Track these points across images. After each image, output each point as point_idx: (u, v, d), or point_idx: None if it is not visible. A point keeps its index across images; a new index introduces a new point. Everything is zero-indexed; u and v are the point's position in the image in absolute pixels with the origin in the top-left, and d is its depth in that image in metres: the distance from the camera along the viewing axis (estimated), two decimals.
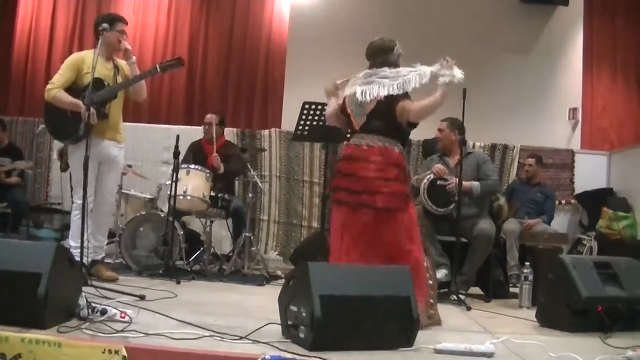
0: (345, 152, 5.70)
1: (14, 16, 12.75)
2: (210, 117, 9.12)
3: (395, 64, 5.62)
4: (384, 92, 5.41)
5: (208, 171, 8.22)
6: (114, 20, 6.79)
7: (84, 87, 6.39)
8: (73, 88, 6.48)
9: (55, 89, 6.38)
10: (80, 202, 6.37)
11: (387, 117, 5.47)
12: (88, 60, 6.49)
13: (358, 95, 5.47)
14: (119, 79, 6.79)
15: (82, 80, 6.50)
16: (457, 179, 7.01)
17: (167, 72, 7.40)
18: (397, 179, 5.45)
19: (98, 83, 6.48)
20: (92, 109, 6.21)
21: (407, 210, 5.48)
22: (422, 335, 4.33)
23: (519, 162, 10.58)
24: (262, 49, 12.61)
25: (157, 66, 6.95)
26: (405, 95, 5.46)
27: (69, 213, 9.69)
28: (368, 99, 5.42)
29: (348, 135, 6.23)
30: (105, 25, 6.56)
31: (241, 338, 4.13)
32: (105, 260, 7.50)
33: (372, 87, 5.45)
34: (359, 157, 5.41)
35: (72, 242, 6.51)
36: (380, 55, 5.63)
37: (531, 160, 9.49)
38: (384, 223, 5.37)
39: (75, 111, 6.37)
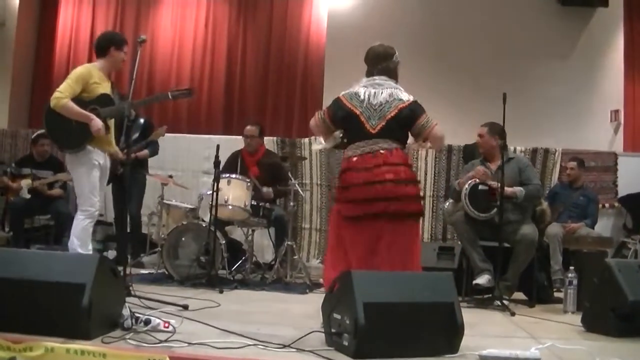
0: (359, 162, 5.40)
1: (55, 26, 12.92)
2: (250, 129, 9.16)
3: (394, 71, 5.63)
4: (408, 98, 5.43)
5: (249, 180, 8.23)
6: (125, 42, 6.87)
7: (93, 99, 6.50)
8: (77, 99, 6.49)
9: (65, 98, 6.35)
10: (92, 209, 6.49)
11: (405, 126, 5.44)
12: (95, 74, 6.58)
13: (370, 96, 5.44)
14: (115, 97, 6.84)
15: (91, 93, 6.54)
16: (499, 184, 6.96)
17: (177, 100, 7.46)
18: (416, 181, 5.60)
19: (107, 99, 6.60)
20: (101, 122, 6.38)
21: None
22: (466, 342, 4.29)
23: (560, 165, 10.46)
24: (300, 56, 12.67)
25: (169, 93, 7.03)
26: (425, 112, 5.47)
27: (111, 224, 9.81)
28: (387, 99, 5.39)
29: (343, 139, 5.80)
30: (116, 45, 6.75)
31: (285, 346, 4.14)
32: (149, 271, 7.52)
33: (396, 92, 5.44)
34: (378, 163, 5.31)
35: (82, 250, 6.41)
36: (381, 62, 5.58)
37: (573, 164, 9.43)
38: (408, 230, 5.40)
39: (80, 122, 6.42)
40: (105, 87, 6.63)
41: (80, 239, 6.44)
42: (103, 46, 6.75)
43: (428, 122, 5.38)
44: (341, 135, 5.70)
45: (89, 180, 6.51)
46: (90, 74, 6.55)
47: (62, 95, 6.35)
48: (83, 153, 6.47)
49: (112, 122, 6.74)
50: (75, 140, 6.48)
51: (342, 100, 5.54)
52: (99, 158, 6.59)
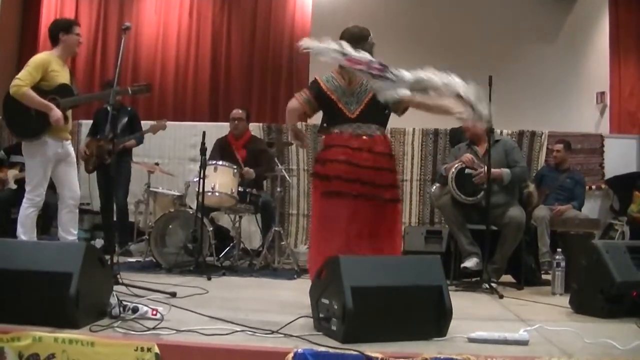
0: (340, 139, 5.37)
1: (38, 16, 12.82)
2: (237, 112, 9.17)
3: (369, 53, 5.50)
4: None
5: (235, 167, 8.23)
6: (72, 24, 6.90)
7: (52, 89, 6.54)
8: (36, 88, 6.47)
9: (25, 86, 6.36)
10: (38, 199, 6.61)
11: (383, 107, 5.41)
12: (53, 62, 6.60)
13: (346, 80, 5.46)
14: (73, 85, 6.86)
15: (50, 82, 6.56)
16: (486, 168, 6.96)
17: (137, 95, 8.14)
18: (395, 170, 5.57)
19: (67, 89, 6.66)
20: (61, 112, 6.45)
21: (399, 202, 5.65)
22: (455, 325, 4.29)
23: (547, 148, 10.46)
24: (285, 42, 12.64)
25: (129, 88, 7.25)
26: None
27: (98, 213, 9.78)
28: (362, 82, 5.40)
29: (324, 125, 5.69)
30: (64, 29, 6.77)
31: (273, 332, 4.13)
32: (136, 259, 7.51)
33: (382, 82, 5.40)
34: (360, 146, 5.30)
35: (25, 237, 6.48)
36: (355, 43, 5.49)
37: (559, 146, 9.43)
38: (387, 215, 5.38)
39: (40, 111, 6.44)
40: (64, 76, 6.69)
41: (24, 226, 6.57)
42: (53, 34, 6.81)
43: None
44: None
45: (40, 172, 6.61)
46: (50, 62, 6.58)
47: (22, 82, 6.38)
48: (38, 143, 6.55)
49: (70, 113, 6.77)
50: (32, 129, 6.55)
51: (319, 83, 5.55)
52: (56, 148, 6.67)
